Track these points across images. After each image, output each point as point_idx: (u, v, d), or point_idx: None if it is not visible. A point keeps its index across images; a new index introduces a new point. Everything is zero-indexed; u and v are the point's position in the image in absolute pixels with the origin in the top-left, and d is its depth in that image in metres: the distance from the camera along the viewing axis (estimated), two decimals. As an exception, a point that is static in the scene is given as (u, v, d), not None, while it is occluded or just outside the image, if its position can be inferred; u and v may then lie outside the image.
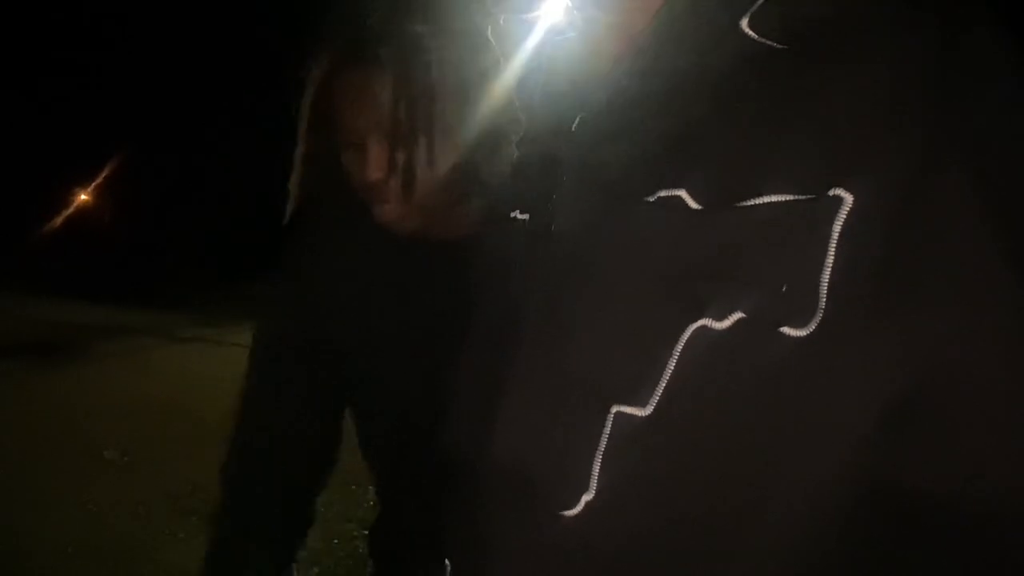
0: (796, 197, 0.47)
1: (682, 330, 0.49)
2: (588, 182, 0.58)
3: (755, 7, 0.52)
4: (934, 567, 0.46)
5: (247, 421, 1.11)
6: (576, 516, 0.53)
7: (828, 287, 0.45)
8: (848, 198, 0.45)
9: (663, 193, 0.52)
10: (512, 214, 0.67)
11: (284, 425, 1.09)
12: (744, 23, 0.52)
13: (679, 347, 0.49)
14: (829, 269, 0.45)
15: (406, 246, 1.04)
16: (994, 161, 0.45)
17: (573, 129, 0.61)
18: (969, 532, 0.45)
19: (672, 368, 0.49)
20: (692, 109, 0.53)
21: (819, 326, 0.46)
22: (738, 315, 0.48)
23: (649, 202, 0.53)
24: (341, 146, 1.01)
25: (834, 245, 0.45)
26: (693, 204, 0.51)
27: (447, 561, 0.66)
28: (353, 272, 1.07)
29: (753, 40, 0.52)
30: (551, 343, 0.57)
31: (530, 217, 0.64)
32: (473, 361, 0.68)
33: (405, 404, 1.05)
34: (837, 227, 0.45)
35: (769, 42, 0.51)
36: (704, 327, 0.49)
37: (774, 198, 0.47)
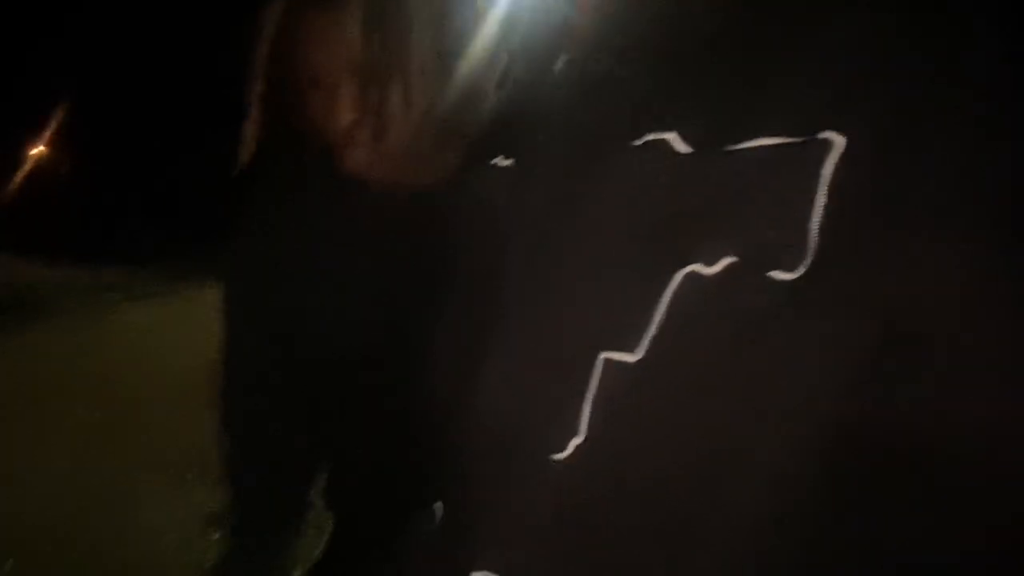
0: (788, 140, 0.47)
1: (671, 275, 0.49)
2: (574, 125, 0.58)
3: None
4: (914, 505, 0.47)
5: (230, 388, 1.10)
6: (566, 460, 0.54)
7: (818, 231, 0.46)
8: (839, 140, 0.45)
9: (651, 136, 0.52)
10: (495, 160, 0.66)
11: (268, 392, 1.08)
12: None
13: (669, 292, 0.49)
14: (819, 212, 0.46)
15: (378, 196, 1.01)
16: (972, 106, 0.45)
17: (557, 70, 0.60)
18: (947, 470, 0.46)
19: (662, 314, 0.50)
20: (681, 49, 0.53)
21: (809, 269, 0.46)
22: (728, 259, 0.48)
23: (636, 146, 0.52)
24: (305, 87, 0.97)
25: (824, 188, 0.45)
26: (683, 147, 0.50)
27: (437, 505, 0.67)
28: (319, 227, 1.05)
29: None
30: (538, 291, 0.57)
31: (515, 162, 0.64)
32: (457, 311, 0.68)
33: (384, 368, 1.04)
34: (827, 169, 0.45)
35: None
36: (694, 272, 0.49)
37: (765, 141, 0.47)
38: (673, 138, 0.51)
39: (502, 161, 0.66)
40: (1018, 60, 0.46)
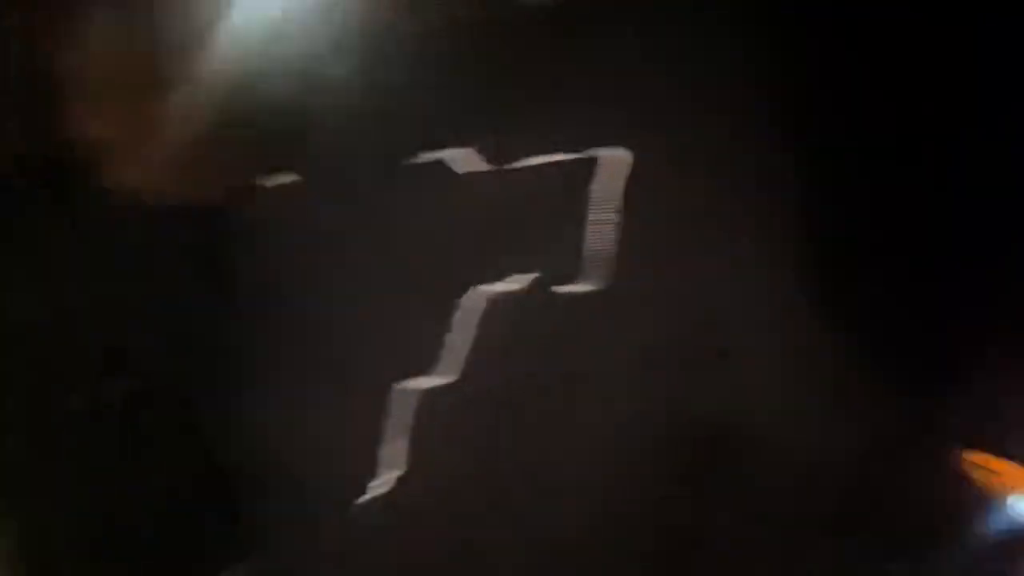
0: (562, 157, 0.48)
1: (467, 293, 0.49)
2: (359, 141, 0.55)
3: None
4: (725, 490, 0.49)
5: None
6: (386, 495, 0.51)
7: (595, 245, 0.47)
8: (604, 155, 0.46)
9: (428, 156, 0.51)
10: (278, 175, 0.62)
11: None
12: None
13: (474, 311, 0.49)
14: (593, 226, 0.47)
15: (144, 214, 0.92)
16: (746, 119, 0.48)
17: (341, 88, 0.57)
18: (747, 456, 0.49)
19: (465, 333, 0.49)
20: (462, 67, 0.52)
21: (593, 282, 0.47)
22: (520, 276, 0.48)
23: (420, 164, 0.51)
24: (61, 99, 0.86)
25: (593, 202, 0.47)
26: (482, 165, 0.50)
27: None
28: (84, 247, 0.93)
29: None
30: (331, 316, 0.54)
31: (301, 177, 0.59)
32: (242, 338, 0.62)
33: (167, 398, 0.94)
34: (595, 184, 0.47)
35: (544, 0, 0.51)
36: (493, 290, 0.48)
37: (538, 160, 0.48)
38: (456, 156, 0.50)
39: (285, 177, 0.62)
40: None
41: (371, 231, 0.53)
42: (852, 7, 0.50)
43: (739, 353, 0.48)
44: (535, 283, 0.48)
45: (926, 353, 0.50)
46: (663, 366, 0.48)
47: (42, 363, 0.92)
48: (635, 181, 0.46)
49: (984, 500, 0.50)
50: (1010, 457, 0.51)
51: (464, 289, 0.49)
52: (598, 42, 0.49)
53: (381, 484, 0.52)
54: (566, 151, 0.47)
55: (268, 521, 0.58)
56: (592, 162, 0.46)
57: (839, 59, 0.50)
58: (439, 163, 0.51)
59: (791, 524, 0.48)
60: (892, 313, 0.49)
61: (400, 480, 0.51)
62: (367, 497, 0.52)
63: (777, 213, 0.47)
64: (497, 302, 0.48)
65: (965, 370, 0.50)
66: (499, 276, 0.48)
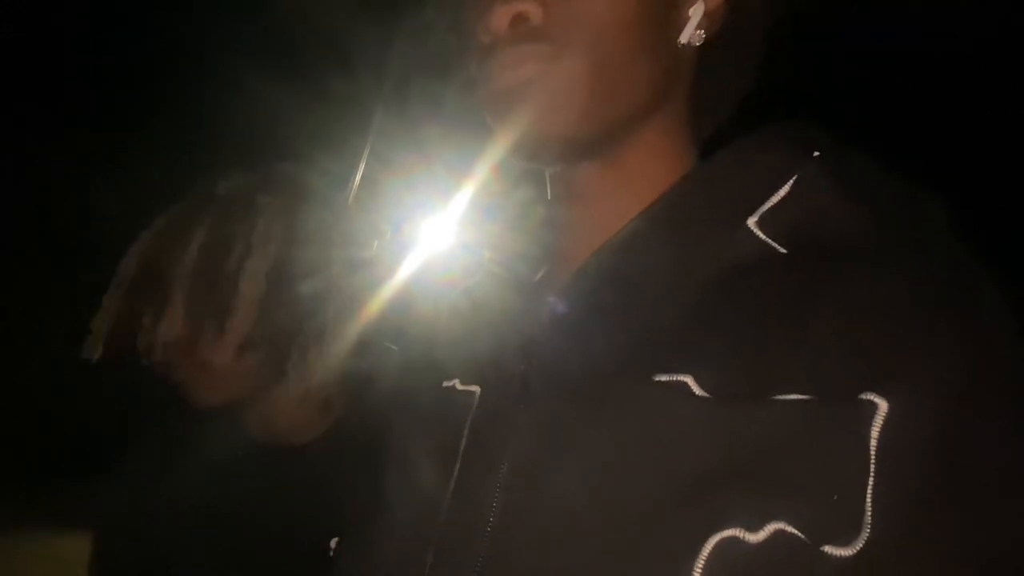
0: (819, 398, 0.43)
1: (706, 539, 0.43)
2: (570, 357, 0.53)
3: (764, 208, 0.51)
4: None
5: None
6: None
7: (872, 501, 0.42)
8: (882, 404, 0.42)
9: (663, 377, 0.48)
10: (449, 383, 0.60)
11: None
12: (752, 222, 0.51)
13: (701, 559, 0.43)
14: (871, 480, 0.42)
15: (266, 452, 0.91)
16: (1019, 377, 0.44)
17: (548, 305, 0.56)
18: None
19: None
20: (689, 298, 0.50)
21: (865, 545, 0.41)
22: (774, 525, 0.42)
23: (653, 382, 0.48)
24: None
25: (874, 453, 0.42)
26: (701, 392, 0.46)
27: None
28: (196, 482, 0.91)
29: (758, 239, 0.50)
30: (529, 548, 0.49)
31: (482, 390, 0.57)
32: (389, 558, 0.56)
33: None
34: (875, 432, 0.42)
35: (774, 244, 0.50)
36: (733, 538, 0.43)
37: (797, 396, 0.43)
38: (691, 381, 0.47)
39: (460, 385, 0.59)
40: None
41: (603, 450, 0.48)
42: None
43: None
44: (793, 538, 0.42)
45: None
46: None
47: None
48: (895, 432, 0.42)
49: None
50: None
51: (710, 532, 0.43)
52: (835, 292, 0.46)
53: None
54: (810, 393, 0.43)
55: None
56: (861, 407, 0.42)
57: None
58: (674, 384, 0.47)
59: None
60: None
61: None
62: None
63: None
64: (745, 553, 0.43)
65: None
66: (756, 524, 0.43)
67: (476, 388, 0.58)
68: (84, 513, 1.08)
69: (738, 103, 0.62)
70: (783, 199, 0.52)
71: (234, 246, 0.88)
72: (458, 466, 0.55)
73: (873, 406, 0.42)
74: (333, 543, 0.78)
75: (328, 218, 0.90)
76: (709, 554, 0.43)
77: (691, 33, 0.55)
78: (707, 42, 0.56)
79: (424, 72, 0.65)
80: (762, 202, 0.52)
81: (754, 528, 0.43)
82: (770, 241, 0.51)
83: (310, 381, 0.90)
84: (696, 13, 0.54)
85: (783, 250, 0.50)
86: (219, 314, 0.87)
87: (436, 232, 0.72)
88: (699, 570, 0.43)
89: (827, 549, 0.42)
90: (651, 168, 0.56)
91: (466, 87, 0.56)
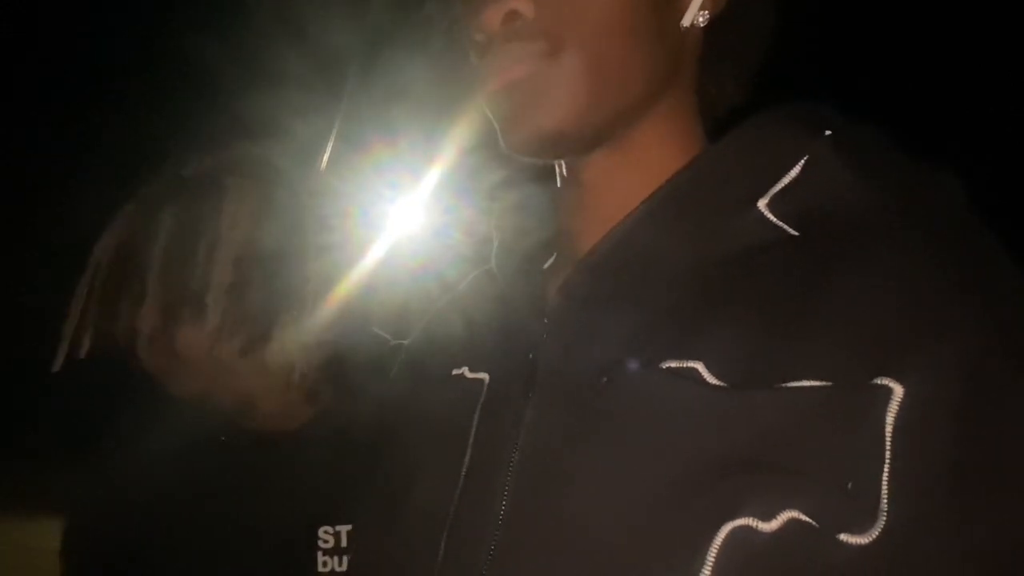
0: (834, 384, 0.42)
1: (718, 528, 0.43)
2: (579, 344, 0.52)
3: (775, 190, 0.50)
4: None
5: None
6: None
7: (888, 487, 0.41)
8: (898, 389, 0.41)
9: (673, 363, 0.47)
10: (459, 371, 0.59)
11: None
12: (762, 204, 0.50)
13: (714, 548, 0.42)
14: (887, 466, 0.41)
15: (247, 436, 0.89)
16: None
17: (556, 292, 0.55)
18: None
19: (707, 574, 0.42)
20: (699, 283, 0.49)
21: (882, 532, 0.41)
22: (788, 514, 0.42)
23: (662, 369, 0.47)
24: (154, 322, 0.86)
25: (889, 439, 0.41)
26: (712, 379, 0.45)
27: None
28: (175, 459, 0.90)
29: (769, 222, 0.50)
30: (542, 535, 0.48)
31: (491, 378, 0.57)
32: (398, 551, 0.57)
33: None
34: (890, 418, 0.41)
35: (785, 226, 0.49)
36: (746, 527, 0.42)
37: (811, 383, 0.43)
38: (701, 368, 0.46)
39: (468, 373, 0.59)
40: None
41: (613, 437, 0.48)
42: None
43: None
44: (807, 526, 0.42)
45: None
46: None
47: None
48: (911, 417, 0.41)
49: None
50: None
51: (723, 519, 0.43)
52: (846, 275, 0.45)
53: None
54: (825, 379, 0.43)
55: None
56: (875, 391, 0.41)
57: None
58: (684, 371, 0.46)
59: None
60: None
61: None
62: None
63: None
64: (759, 542, 0.42)
65: None
66: (769, 513, 0.42)
67: (485, 376, 0.58)
68: (57, 500, 1.07)
69: (749, 83, 0.61)
70: (794, 180, 0.51)
71: (202, 231, 0.87)
72: (468, 454, 0.55)
73: (888, 391, 0.41)
74: (321, 532, 0.78)
75: (298, 198, 0.89)
76: (722, 543, 0.42)
77: (694, 15, 0.53)
78: (712, 22, 0.55)
79: (422, 62, 0.64)
80: (772, 184, 0.51)
81: (767, 517, 0.42)
82: (781, 223, 0.50)
83: (288, 367, 0.89)
84: None
85: (795, 232, 0.49)
86: (192, 302, 0.86)
87: (416, 219, 0.72)
88: (712, 559, 0.42)
89: (843, 537, 0.41)
90: (659, 152, 0.55)
91: (470, 81, 0.55)
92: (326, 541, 0.87)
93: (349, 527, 0.87)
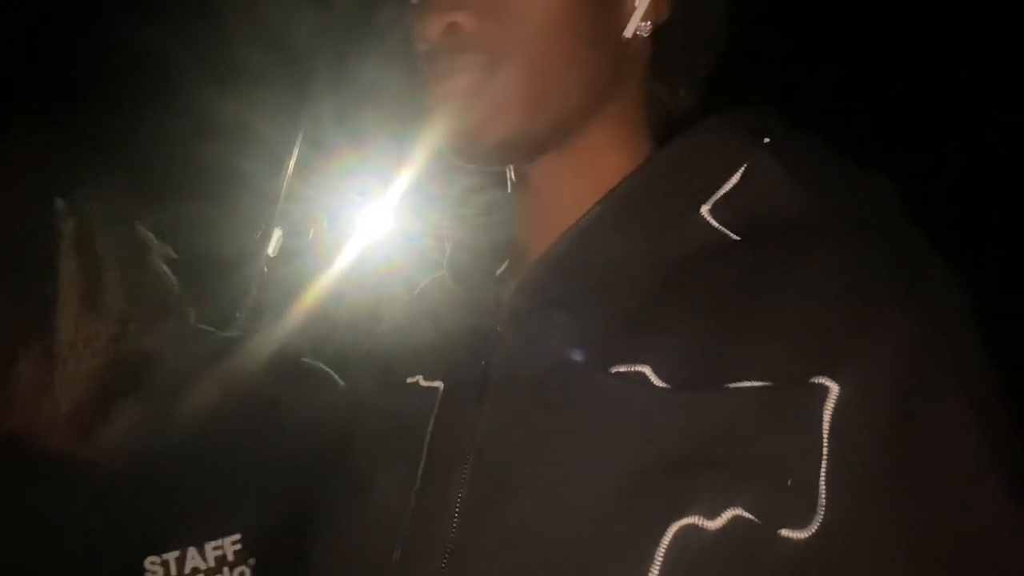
0: (774, 384, 0.44)
1: (666, 527, 0.44)
2: (531, 348, 0.53)
3: (716, 196, 0.52)
4: None
5: None
6: None
7: (826, 483, 0.42)
8: (834, 387, 0.43)
9: (621, 368, 0.48)
10: (412, 379, 0.60)
11: None
12: (705, 210, 0.51)
13: (662, 548, 0.44)
14: (825, 462, 0.42)
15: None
16: (966, 353, 0.45)
17: (508, 298, 0.56)
18: None
19: (655, 573, 0.44)
20: (646, 287, 0.50)
21: (820, 527, 0.42)
22: (732, 512, 0.43)
23: (611, 374, 0.48)
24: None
25: (826, 436, 0.43)
26: (659, 382, 0.47)
27: None
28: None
29: (712, 227, 0.51)
30: (494, 540, 0.49)
31: (445, 386, 0.58)
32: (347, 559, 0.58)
33: None
34: (827, 416, 0.43)
35: (727, 231, 0.50)
36: (693, 525, 0.44)
37: (753, 383, 0.44)
38: (649, 371, 0.47)
39: (423, 381, 0.59)
40: None
41: (564, 441, 0.49)
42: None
43: None
44: (750, 523, 0.43)
45: None
46: None
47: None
48: (846, 414, 0.43)
49: None
50: None
51: (670, 519, 0.44)
52: (786, 279, 0.47)
53: None
54: (765, 379, 0.44)
55: None
56: (812, 390, 0.43)
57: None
58: (631, 375, 0.48)
59: None
60: None
61: None
62: None
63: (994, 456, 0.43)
64: (705, 540, 0.44)
65: None
66: (714, 511, 0.44)
67: (439, 384, 0.58)
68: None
69: (700, 88, 0.62)
70: (735, 187, 0.52)
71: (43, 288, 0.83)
72: (423, 462, 0.55)
73: (825, 389, 0.43)
74: (147, 563, 0.76)
75: (134, 237, 0.87)
76: (669, 542, 0.44)
77: (636, 25, 0.54)
78: (657, 30, 0.56)
79: (380, 69, 0.64)
80: (715, 190, 0.52)
81: (712, 515, 0.43)
82: (723, 229, 0.51)
83: (67, 390, 0.84)
84: (641, 4, 0.54)
85: (736, 237, 0.50)
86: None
87: (383, 223, 0.72)
88: (660, 559, 0.44)
89: (784, 532, 0.43)
90: (607, 158, 0.57)
91: (419, 87, 0.56)
92: (155, 573, 0.82)
93: (177, 553, 0.83)
